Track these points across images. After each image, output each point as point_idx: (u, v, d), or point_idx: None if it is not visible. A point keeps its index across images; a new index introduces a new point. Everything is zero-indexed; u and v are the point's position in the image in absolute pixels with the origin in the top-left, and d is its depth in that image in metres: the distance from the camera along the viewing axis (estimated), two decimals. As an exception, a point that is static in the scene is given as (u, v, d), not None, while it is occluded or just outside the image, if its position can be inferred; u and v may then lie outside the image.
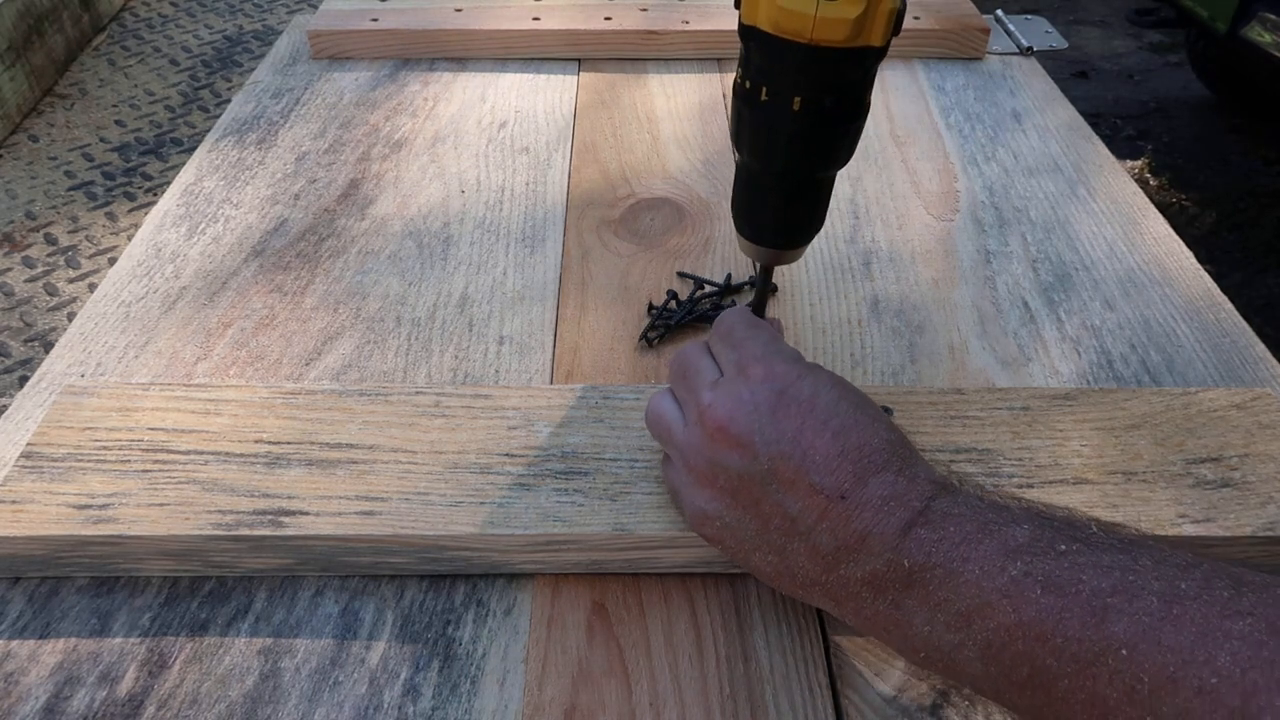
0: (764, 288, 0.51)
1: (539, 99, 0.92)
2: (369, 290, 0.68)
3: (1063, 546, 0.35)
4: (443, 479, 0.50)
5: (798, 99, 0.42)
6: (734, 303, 0.66)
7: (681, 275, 0.69)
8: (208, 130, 0.88)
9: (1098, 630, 0.33)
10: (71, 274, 2.09)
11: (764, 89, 0.43)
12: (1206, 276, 0.71)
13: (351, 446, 0.51)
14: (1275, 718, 0.28)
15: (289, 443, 0.51)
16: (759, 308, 0.51)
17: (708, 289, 0.67)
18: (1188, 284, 0.70)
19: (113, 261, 1.37)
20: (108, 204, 2.31)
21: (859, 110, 0.44)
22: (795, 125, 0.43)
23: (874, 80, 0.44)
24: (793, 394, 0.42)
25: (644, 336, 0.63)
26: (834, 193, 0.78)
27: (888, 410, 0.54)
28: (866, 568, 0.39)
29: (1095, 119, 2.82)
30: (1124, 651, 0.32)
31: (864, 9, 0.39)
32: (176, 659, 0.46)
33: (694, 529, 0.46)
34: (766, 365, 0.43)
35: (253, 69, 1.04)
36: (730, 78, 0.94)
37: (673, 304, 0.66)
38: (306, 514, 0.48)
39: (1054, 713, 0.34)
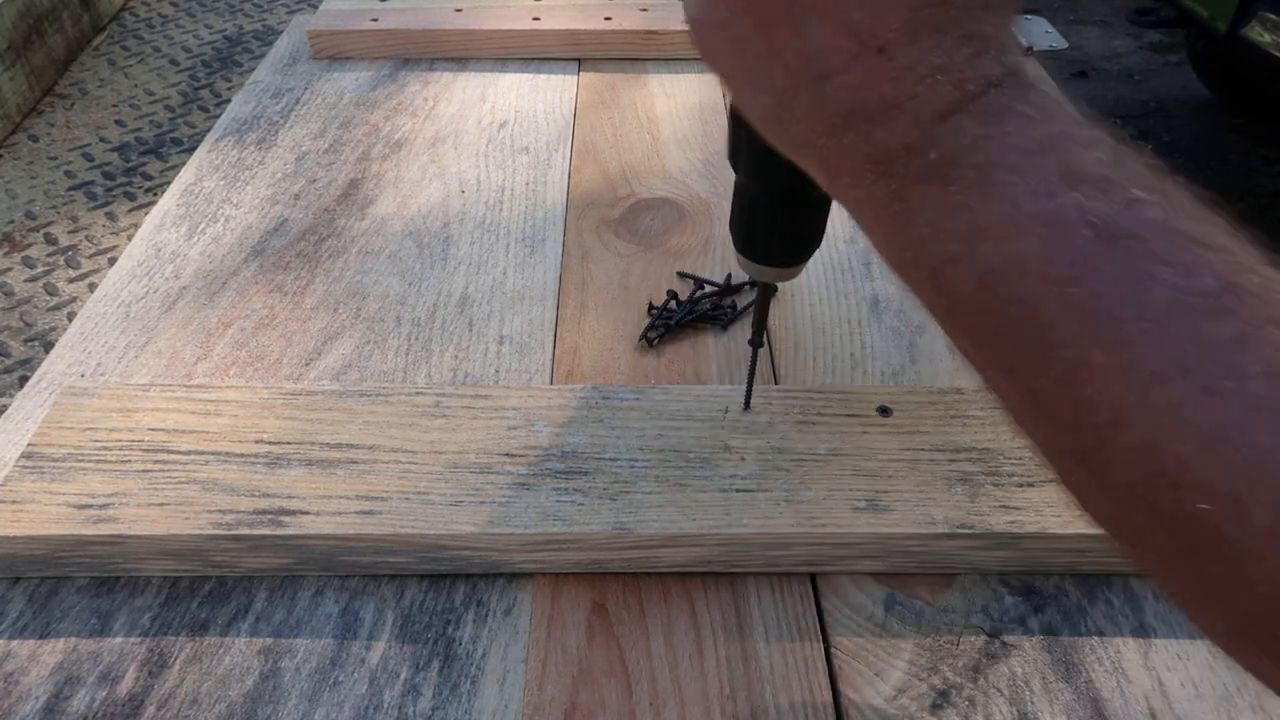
0: (764, 305, 0.51)
1: (539, 99, 0.92)
2: (369, 290, 0.68)
3: (1138, 193, 0.28)
4: (443, 479, 0.50)
5: None
6: (734, 304, 0.66)
7: (681, 275, 0.69)
8: (208, 130, 0.88)
9: (1131, 295, 0.27)
10: (71, 274, 2.09)
11: None
12: (1207, 276, 0.71)
13: (351, 446, 0.51)
14: (1272, 438, 0.24)
15: (289, 443, 0.51)
16: (760, 328, 0.51)
17: (708, 289, 0.67)
18: (1188, 284, 0.70)
19: (113, 261, 1.37)
20: (108, 204, 2.31)
21: None
22: None
23: None
24: None
25: (644, 336, 0.63)
26: (834, 192, 0.78)
27: (885, 411, 0.54)
28: (880, 144, 0.30)
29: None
30: (1147, 326, 0.26)
31: None
32: (176, 659, 0.46)
33: (689, 30, 0.35)
34: None
35: (253, 69, 1.04)
36: (730, 77, 0.94)
37: (673, 304, 0.66)
38: (306, 513, 0.48)
39: (1024, 361, 0.29)
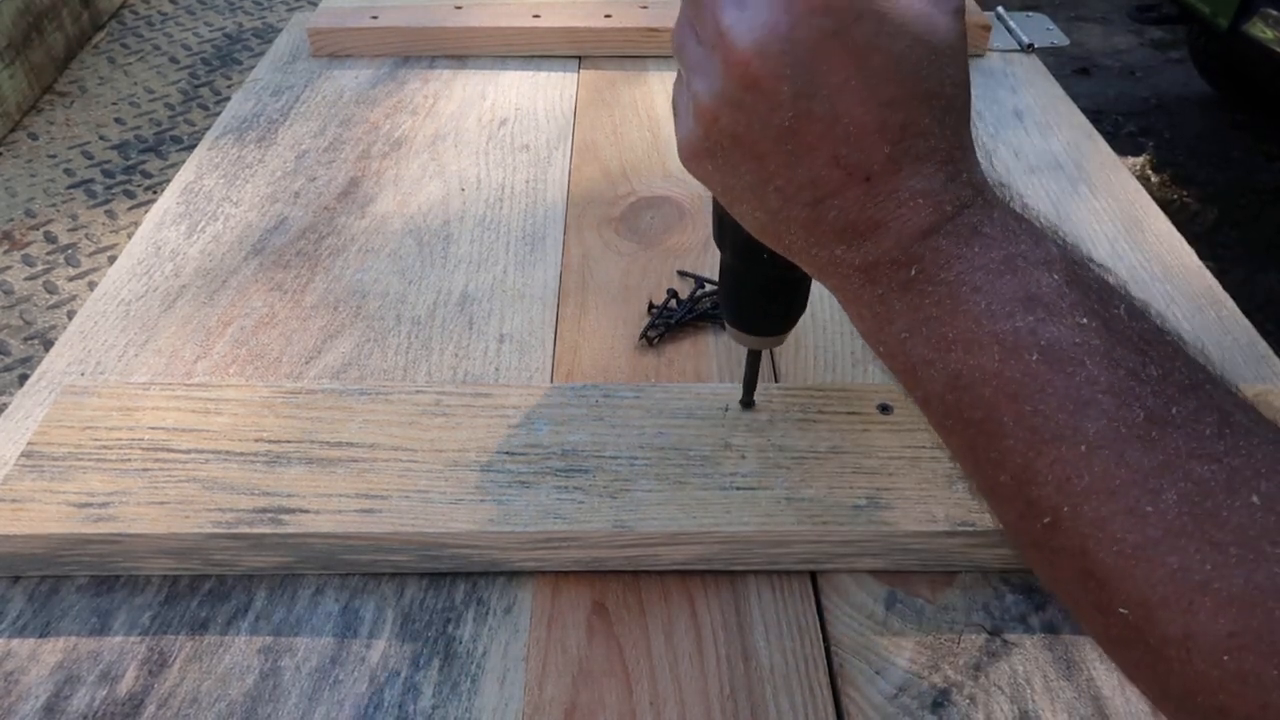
0: (755, 367, 0.52)
1: (539, 97, 0.91)
2: (369, 288, 0.68)
3: (1081, 319, 0.31)
4: (443, 477, 0.50)
5: None
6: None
7: (682, 274, 0.69)
8: (208, 128, 0.88)
9: (1071, 419, 0.30)
10: (71, 272, 2.09)
11: None
12: (1208, 273, 0.70)
13: (352, 445, 0.51)
14: (1182, 560, 0.28)
15: (289, 441, 0.51)
16: (750, 388, 0.53)
17: (708, 287, 0.67)
18: (1189, 281, 0.70)
19: (112, 259, 1.37)
20: (107, 202, 2.31)
21: None
22: None
23: None
24: (846, 38, 0.32)
25: (644, 335, 0.63)
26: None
27: (885, 409, 0.54)
28: (868, 257, 0.34)
29: (1097, 116, 2.81)
30: (1083, 448, 0.30)
31: None
32: (177, 658, 0.46)
33: (681, 159, 0.38)
34: None
35: (253, 67, 1.04)
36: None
37: (673, 303, 0.66)
38: (306, 512, 0.48)
39: (983, 459, 0.33)
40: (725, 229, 0.45)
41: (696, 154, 0.36)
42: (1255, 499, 0.28)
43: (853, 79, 0.32)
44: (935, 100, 0.33)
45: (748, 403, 0.54)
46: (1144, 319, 0.33)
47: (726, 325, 0.50)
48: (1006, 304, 0.32)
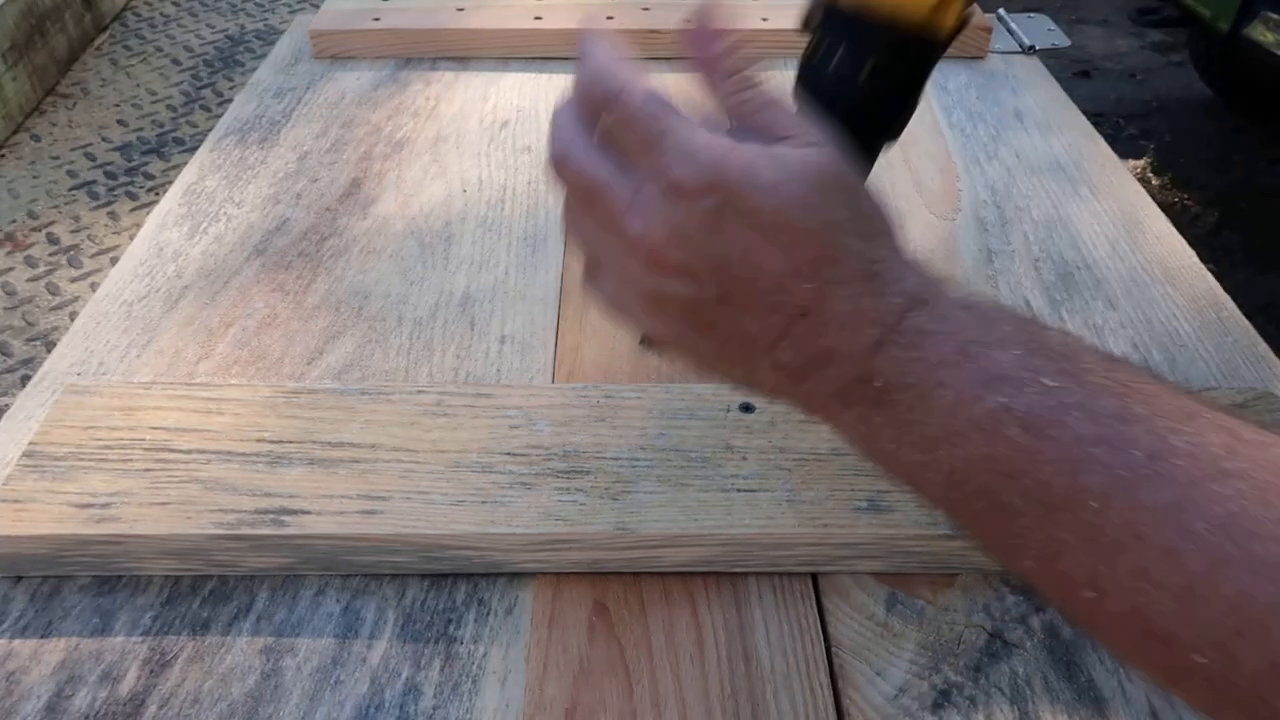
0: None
1: (541, 98, 0.92)
2: (371, 289, 0.68)
3: (1050, 382, 0.32)
4: (444, 478, 0.50)
5: (864, 73, 0.43)
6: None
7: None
8: (210, 129, 0.88)
9: (1071, 479, 0.30)
10: (73, 273, 2.09)
11: (831, 62, 0.44)
12: (1209, 275, 0.71)
13: (353, 445, 0.51)
14: (1237, 586, 0.27)
15: (291, 442, 0.51)
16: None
17: None
18: (1190, 283, 0.70)
19: (115, 261, 1.37)
20: (110, 203, 2.31)
21: (911, 103, 0.46)
22: (857, 97, 0.44)
23: (927, 77, 0.45)
24: (734, 208, 0.35)
25: (643, 339, 0.63)
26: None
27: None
28: (834, 384, 0.36)
29: (1098, 118, 2.81)
30: (1094, 504, 0.30)
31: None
32: (178, 658, 0.46)
33: (657, 348, 0.43)
34: (693, 173, 0.35)
35: (255, 68, 1.04)
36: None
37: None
38: (308, 513, 0.48)
39: (1007, 545, 0.33)
40: (805, 97, 0.45)
41: (661, 340, 0.40)
42: None
43: (753, 237, 0.35)
44: (834, 229, 0.36)
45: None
46: (1118, 365, 0.33)
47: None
48: (973, 389, 0.32)
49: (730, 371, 0.39)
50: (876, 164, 0.77)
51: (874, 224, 0.37)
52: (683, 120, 0.38)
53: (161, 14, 3.18)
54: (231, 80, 2.81)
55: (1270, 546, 0.27)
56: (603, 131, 0.40)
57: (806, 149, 0.37)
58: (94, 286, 2.00)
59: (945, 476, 0.33)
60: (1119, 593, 0.29)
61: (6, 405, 1.53)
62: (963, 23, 0.43)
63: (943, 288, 0.37)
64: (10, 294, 2.03)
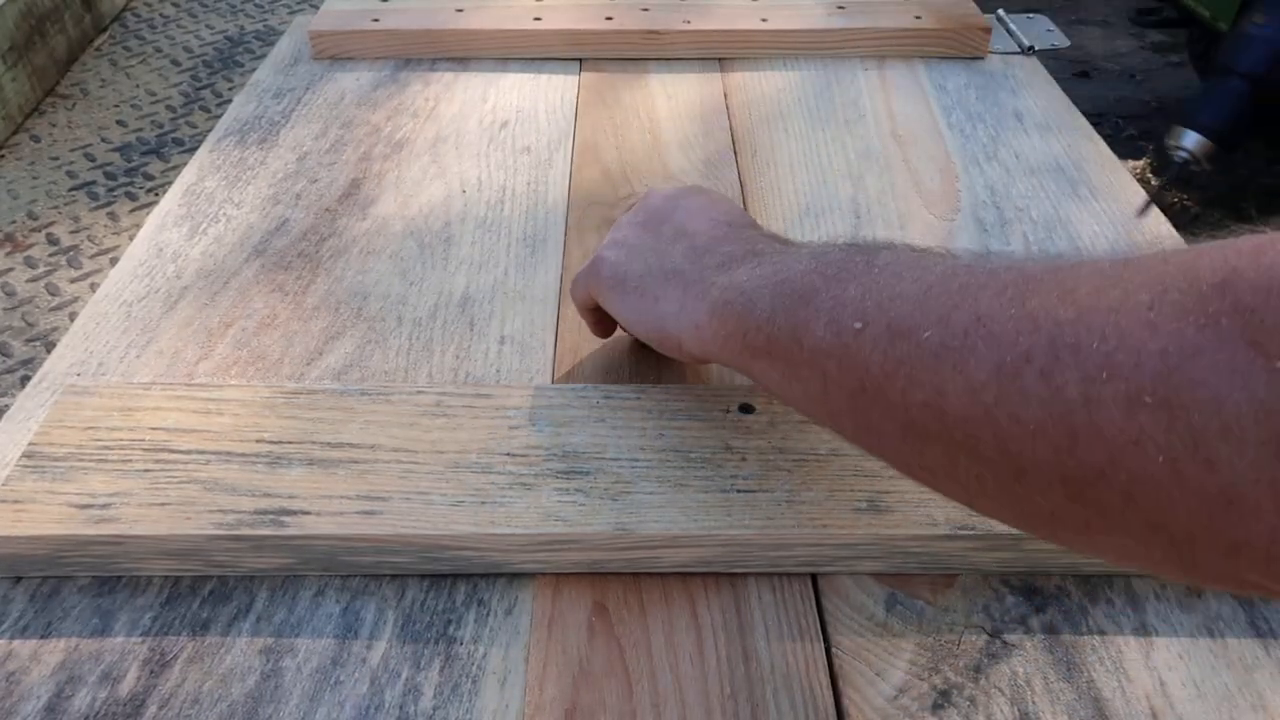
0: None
1: (540, 99, 0.92)
2: (370, 290, 0.68)
3: (808, 264, 0.43)
4: (444, 478, 0.50)
5: None
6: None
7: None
8: (209, 130, 0.88)
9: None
10: (73, 274, 2.09)
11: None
12: (1208, 276, 0.70)
13: (353, 446, 0.51)
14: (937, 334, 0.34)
15: (290, 442, 0.51)
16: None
17: None
18: (1189, 284, 0.69)
19: (114, 261, 1.37)
20: (109, 204, 2.31)
21: None
22: None
23: None
24: (655, 211, 0.56)
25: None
26: (835, 192, 0.78)
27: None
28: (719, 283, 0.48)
29: (1097, 119, 2.81)
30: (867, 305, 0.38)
31: None
32: (178, 658, 0.46)
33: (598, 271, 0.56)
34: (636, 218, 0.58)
35: (254, 69, 1.05)
36: (731, 77, 0.94)
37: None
38: (308, 514, 0.48)
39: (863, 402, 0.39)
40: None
41: (617, 246, 0.57)
42: (900, 281, 0.38)
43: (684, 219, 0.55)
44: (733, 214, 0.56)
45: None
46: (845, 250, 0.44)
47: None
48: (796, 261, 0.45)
49: (644, 326, 0.54)
50: (873, 165, 0.79)
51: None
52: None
53: (161, 15, 3.18)
54: (231, 81, 2.81)
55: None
56: None
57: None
58: (93, 287, 2.01)
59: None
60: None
61: (6, 406, 1.52)
62: None
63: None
64: (10, 294, 2.03)
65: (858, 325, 0.37)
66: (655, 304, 0.51)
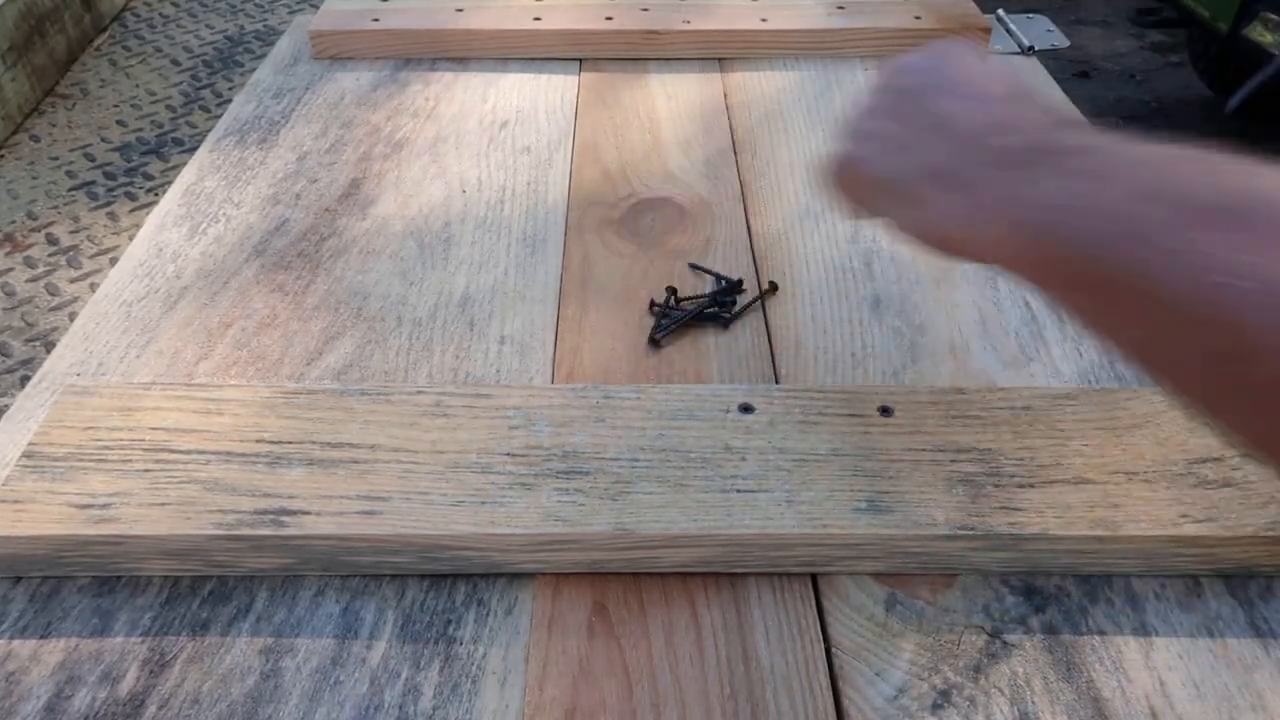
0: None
1: (540, 99, 0.92)
2: (370, 290, 0.68)
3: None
4: (444, 478, 0.50)
5: None
6: (733, 301, 0.66)
7: (694, 267, 0.69)
8: (209, 130, 0.88)
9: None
10: (73, 274, 2.09)
11: None
12: (1208, 276, 0.70)
13: (353, 446, 0.51)
14: None
15: (290, 442, 0.51)
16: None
17: (724, 283, 0.68)
18: (1189, 284, 0.69)
19: (114, 261, 1.37)
20: (109, 204, 2.31)
21: None
22: None
23: None
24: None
25: (652, 339, 0.63)
26: (835, 192, 0.78)
27: (886, 411, 0.54)
28: (1008, 146, 0.40)
29: (1097, 119, 2.81)
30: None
31: None
32: (178, 658, 0.46)
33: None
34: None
35: (254, 69, 1.05)
36: (731, 77, 0.95)
37: (672, 300, 0.66)
38: (308, 514, 0.48)
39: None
40: None
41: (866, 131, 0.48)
42: None
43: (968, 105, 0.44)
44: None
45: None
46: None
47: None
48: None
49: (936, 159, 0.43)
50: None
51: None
52: None
53: (161, 15, 3.18)
54: (231, 81, 2.81)
55: None
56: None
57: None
58: (93, 287, 2.01)
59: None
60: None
61: (6, 406, 1.53)
62: None
63: None
64: (9, 294, 2.03)
65: (1224, 280, 0.30)
66: (931, 211, 0.42)
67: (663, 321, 0.64)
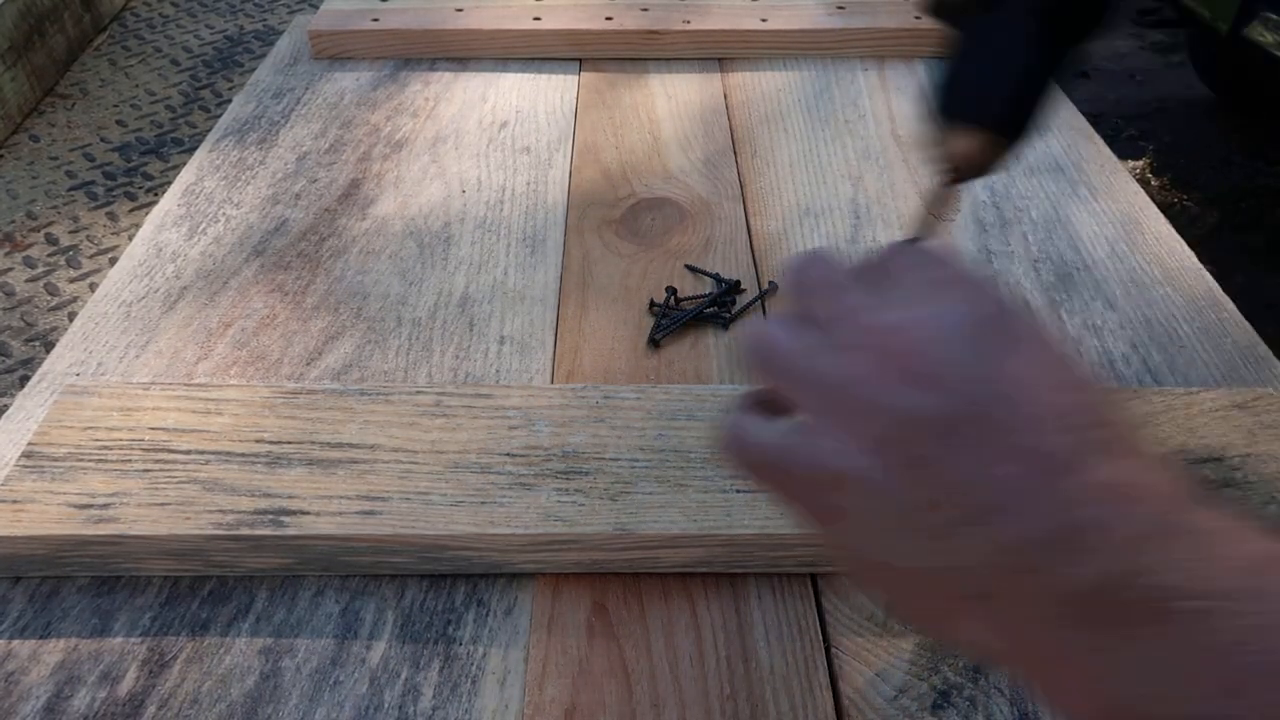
0: (941, 195, 0.40)
1: (540, 99, 0.92)
2: (370, 290, 0.68)
3: None
4: (443, 479, 0.50)
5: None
6: (734, 300, 0.66)
7: (690, 269, 0.69)
8: (209, 130, 0.88)
9: None
10: (72, 274, 2.09)
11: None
12: (1208, 276, 0.71)
13: (352, 446, 0.51)
14: None
15: (290, 442, 0.51)
16: (931, 227, 0.40)
17: (723, 285, 0.67)
18: (1189, 284, 0.70)
19: (114, 261, 1.37)
20: (109, 204, 2.31)
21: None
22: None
23: None
24: (1009, 321, 0.29)
25: (652, 339, 0.63)
26: (835, 192, 0.78)
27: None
28: (1068, 581, 0.26)
29: (1097, 119, 2.81)
30: None
31: None
32: (177, 659, 0.46)
33: (798, 506, 0.31)
34: (963, 287, 0.30)
35: (254, 69, 1.04)
36: (731, 77, 0.94)
37: (672, 300, 0.66)
38: (307, 514, 0.48)
39: None
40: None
41: (836, 480, 0.29)
42: None
43: (1035, 355, 0.28)
44: (1098, 390, 0.29)
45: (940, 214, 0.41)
46: None
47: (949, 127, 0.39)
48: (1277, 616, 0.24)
49: (909, 550, 0.29)
50: (873, 165, 0.78)
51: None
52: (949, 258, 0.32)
53: (160, 14, 3.18)
54: (230, 81, 2.81)
55: None
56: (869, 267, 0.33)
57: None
58: (93, 287, 2.01)
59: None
60: None
61: (5, 406, 1.52)
62: None
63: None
64: (9, 294, 2.03)
65: None
66: (952, 623, 0.30)
67: (662, 322, 0.64)
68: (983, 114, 0.36)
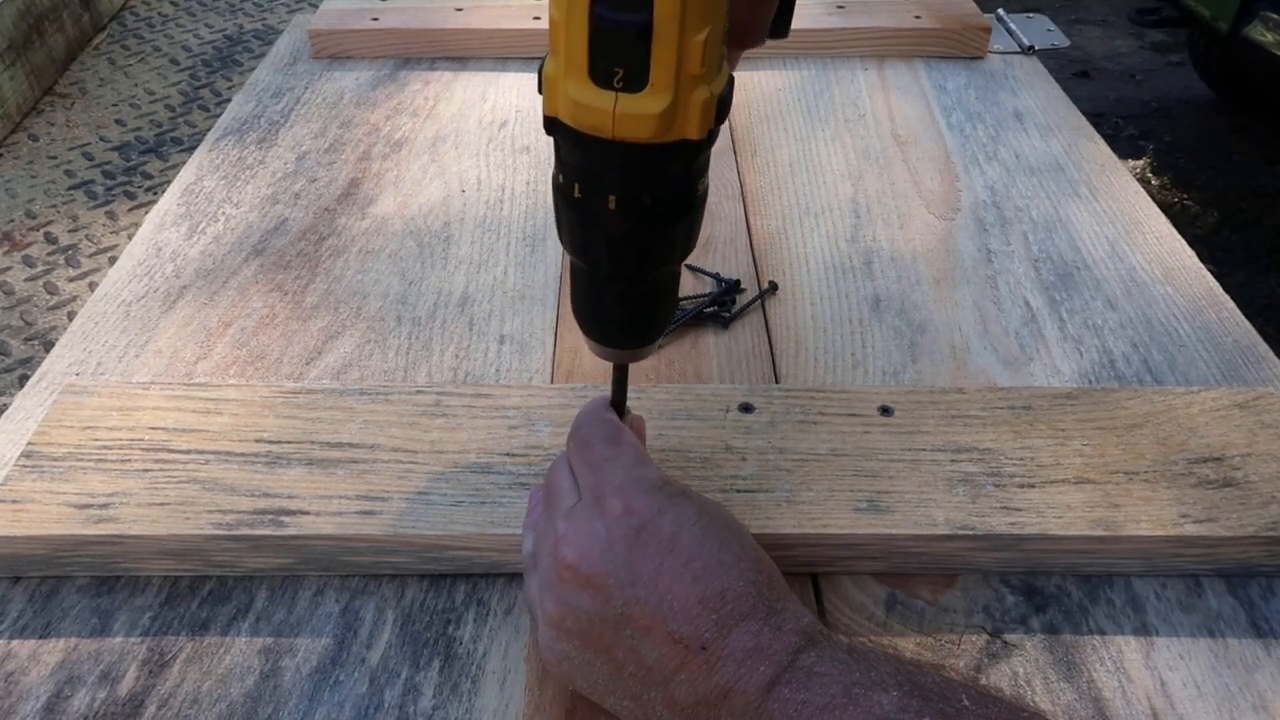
0: (620, 387, 0.47)
1: (539, 98, 0.91)
2: (369, 289, 0.68)
3: None
4: (443, 478, 0.50)
5: (613, 197, 0.38)
6: (734, 300, 0.66)
7: (690, 269, 0.69)
8: (208, 129, 0.88)
9: None
10: (72, 273, 2.09)
11: (576, 185, 0.38)
12: (1209, 276, 0.70)
13: (352, 446, 0.51)
14: None
15: (289, 442, 0.51)
16: (618, 404, 0.47)
17: (723, 285, 0.67)
18: (1190, 283, 0.70)
19: (113, 261, 1.37)
20: (108, 203, 2.31)
21: (686, 206, 0.39)
22: (614, 225, 0.38)
23: (704, 170, 0.39)
24: (652, 531, 0.39)
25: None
26: (835, 192, 0.78)
27: (886, 411, 0.54)
28: None
29: (1097, 118, 2.81)
30: None
31: (670, 103, 0.34)
32: (177, 658, 0.46)
33: (544, 666, 0.43)
34: (625, 497, 0.40)
35: (253, 68, 1.04)
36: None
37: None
38: (307, 513, 0.48)
39: None
40: (561, 221, 0.40)
41: (557, 657, 0.41)
42: None
43: (667, 561, 0.38)
44: (742, 566, 0.39)
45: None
46: (992, 700, 0.35)
47: (586, 340, 0.45)
48: None
49: (622, 701, 0.40)
50: (873, 165, 0.78)
51: (770, 567, 0.40)
52: (635, 450, 0.43)
53: (160, 14, 3.18)
54: (230, 80, 2.81)
55: None
56: (572, 449, 0.44)
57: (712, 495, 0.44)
58: (92, 286, 2.01)
59: None
60: None
61: (5, 405, 1.52)
62: (718, 119, 0.36)
63: (826, 630, 0.39)
64: (8, 294, 2.03)
65: None
66: None
67: (662, 321, 0.64)
68: (589, 336, 0.45)
